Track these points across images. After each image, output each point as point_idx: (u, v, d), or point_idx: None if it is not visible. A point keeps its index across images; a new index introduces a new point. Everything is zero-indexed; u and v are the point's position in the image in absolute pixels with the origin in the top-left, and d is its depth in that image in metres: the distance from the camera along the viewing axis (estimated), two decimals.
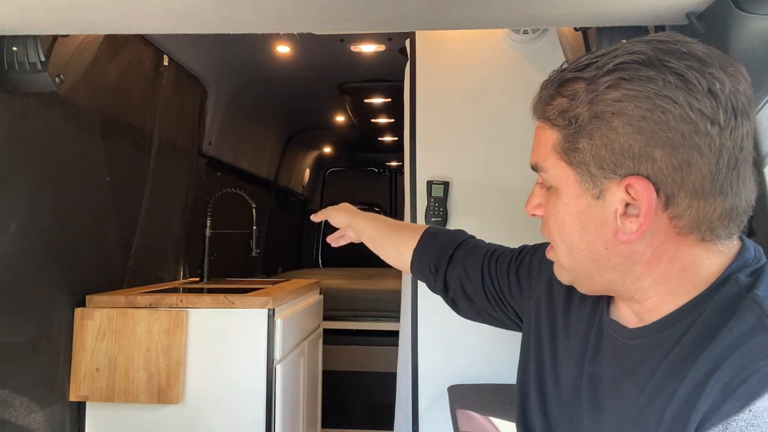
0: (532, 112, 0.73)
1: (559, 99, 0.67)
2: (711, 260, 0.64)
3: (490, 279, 1.03)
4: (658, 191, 0.61)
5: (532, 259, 0.97)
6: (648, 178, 0.61)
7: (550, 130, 0.69)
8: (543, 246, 0.96)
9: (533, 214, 0.76)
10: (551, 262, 0.89)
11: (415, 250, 1.14)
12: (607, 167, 0.63)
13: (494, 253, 1.06)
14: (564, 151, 0.67)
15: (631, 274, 0.67)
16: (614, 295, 0.72)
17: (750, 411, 0.52)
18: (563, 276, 0.75)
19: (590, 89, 0.63)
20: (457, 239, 1.14)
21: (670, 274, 0.65)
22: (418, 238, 1.15)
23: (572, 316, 0.81)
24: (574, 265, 0.71)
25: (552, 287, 0.88)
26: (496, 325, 1.09)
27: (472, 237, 1.18)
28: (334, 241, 1.30)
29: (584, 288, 0.73)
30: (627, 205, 0.63)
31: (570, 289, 0.83)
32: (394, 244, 1.19)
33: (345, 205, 1.30)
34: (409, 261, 1.15)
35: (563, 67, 0.69)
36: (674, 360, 0.61)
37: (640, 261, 0.65)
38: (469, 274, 1.06)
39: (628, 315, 0.71)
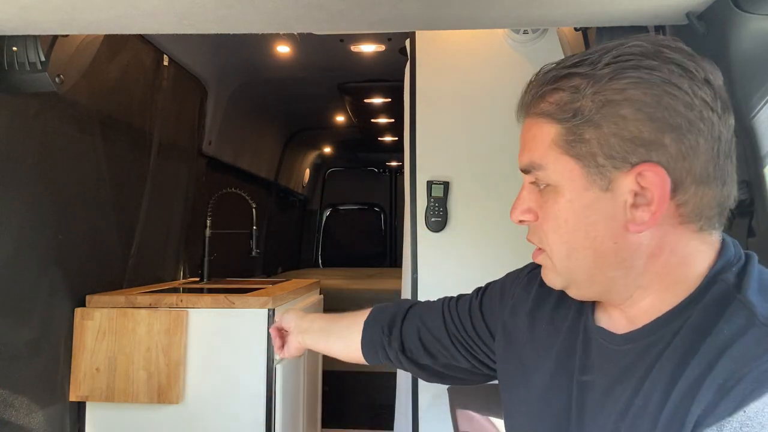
0: (519, 111, 0.72)
1: (556, 94, 0.66)
2: (704, 253, 0.65)
3: (453, 323, 0.97)
4: None
5: (493, 291, 0.95)
6: (659, 164, 0.61)
7: (548, 126, 0.67)
8: (503, 278, 0.96)
9: (521, 221, 0.73)
10: (517, 287, 0.90)
11: (366, 320, 1.08)
12: (617, 156, 0.62)
13: (452, 300, 1.02)
14: (567, 144, 0.65)
15: (634, 270, 0.66)
16: (607, 299, 0.70)
17: (744, 412, 0.52)
18: (555, 280, 0.72)
19: (592, 81, 0.63)
20: (408, 302, 1.09)
21: (669, 268, 0.65)
22: (368, 312, 1.10)
23: (550, 328, 0.80)
24: (573, 266, 0.68)
25: (519, 308, 0.86)
26: (461, 383, 1.04)
27: (421, 302, 1.11)
28: (278, 349, 1.19)
29: (580, 291, 0.71)
30: (635, 194, 0.63)
31: (543, 304, 0.82)
32: (345, 323, 1.11)
33: (291, 309, 1.26)
34: (360, 334, 1.07)
35: (548, 68, 0.69)
36: (666, 363, 0.61)
37: (645, 254, 0.65)
38: (427, 325, 1.00)
39: (619, 320, 0.70)
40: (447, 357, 0.98)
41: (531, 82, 0.70)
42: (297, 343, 1.14)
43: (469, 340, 0.95)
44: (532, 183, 0.71)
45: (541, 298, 0.84)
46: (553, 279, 0.73)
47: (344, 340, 1.10)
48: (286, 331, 1.16)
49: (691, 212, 0.63)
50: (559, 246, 0.69)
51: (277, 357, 1.98)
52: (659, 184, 0.61)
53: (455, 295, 1.03)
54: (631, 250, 0.65)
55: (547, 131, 0.67)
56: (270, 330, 1.21)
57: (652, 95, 0.61)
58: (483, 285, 1.00)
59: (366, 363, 1.09)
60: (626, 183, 0.63)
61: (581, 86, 0.64)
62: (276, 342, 1.17)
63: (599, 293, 0.70)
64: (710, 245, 0.65)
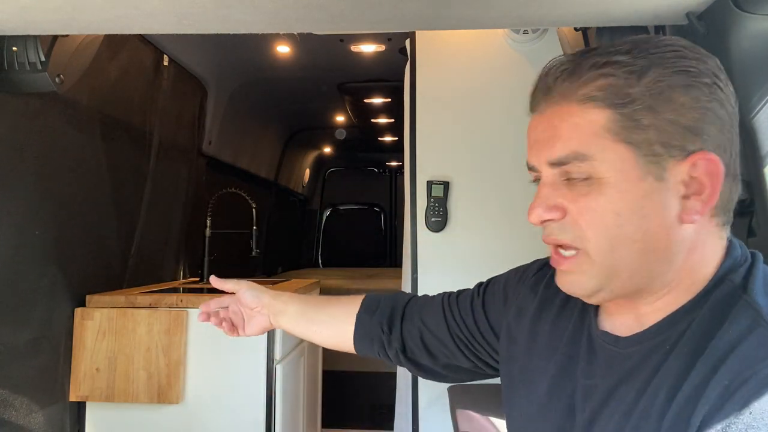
0: (542, 100, 0.67)
1: (603, 80, 0.63)
2: (718, 252, 0.65)
3: (455, 321, 0.94)
4: None
5: (496, 288, 0.92)
6: (714, 153, 0.62)
7: (596, 112, 0.63)
8: (506, 274, 0.93)
9: (545, 221, 0.67)
10: (522, 286, 0.87)
11: (359, 314, 1.02)
12: (675, 143, 0.61)
13: (451, 295, 0.98)
14: (625, 130, 0.62)
15: (673, 265, 0.64)
16: (635, 297, 0.67)
17: (750, 413, 0.52)
18: (588, 284, 0.66)
19: (646, 67, 0.62)
20: (405, 296, 1.05)
21: (694, 264, 0.65)
22: (358, 303, 1.04)
23: (553, 332, 0.79)
24: (617, 263, 0.64)
25: (524, 310, 0.85)
26: (461, 381, 1.01)
27: (418, 295, 1.07)
28: (229, 329, 1.05)
29: (612, 292, 0.66)
30: (685, 184, 0.63)
31: (548, 307, 0.81)
32: (331, 311, 1.05)
33: (251, 283, 1.07)
34: (352, 328, 1.01)
35: (572, 58, 0.65)
36: (672, 364, 0.61)
37: (686, 248, 0.64)
38: (428, 325, 0.96)
39: (623, 323, 0.70)
40: (448, 357, 0.96)
41: (556, 69, 0.66)
42: (267, 323, 1.04)
43: (472, 339, 0.93)
44: (564, 177, 0.65)
45: (546, 301, 0.83)
46: (585, 283, 0.67)
47: (331, 328, 1.05)
48: (247, 309, 1.04)
49: (720, 205, 0.64)
50: (603, 242, 0.64)
51: (272, 355, 1.98)
52: (715, 173, 0.62)
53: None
54: (677, 244, 0.63)
55: (595, 117, 0.63)
56: (203, 309, 1.05)
57: (705, 85, 0.62)
58: (484, 280, 0.97)
59: (354, 352, 1.04)
60: (679, 172, 0.62)
61: (636, 71, 0.62)
62: (223, 326, 1.04)
63: (632, 292, 0.66)
64: (723, 243, 0.66)
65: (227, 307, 1.07)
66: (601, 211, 0.63)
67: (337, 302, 1.08)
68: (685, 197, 0.63)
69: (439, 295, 1.01)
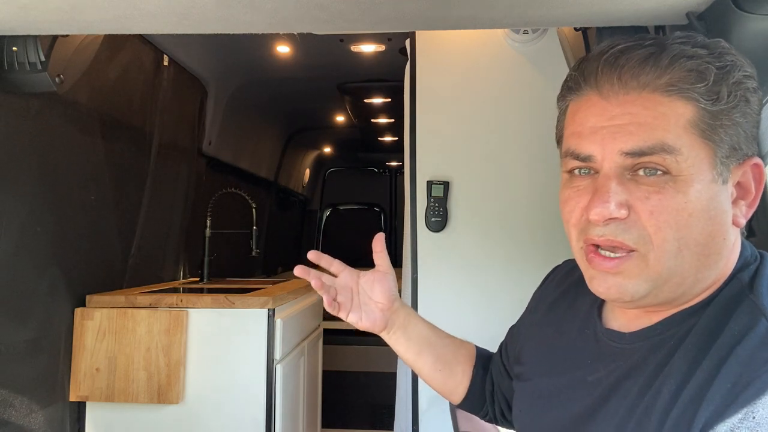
0: (624, 80, 0.61)
1: (691, 72, 0.59)
2: (738, 249, 0.66)
3: (499, 372, 0.95)
4: None
5: (522, 319, 0.94)
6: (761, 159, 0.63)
7: (683, 104, 0.59)
8: (531, 300, 0.93)
9: (611, 219, 0.60)
10: (534, 299, 0.88)
11: (474, 373, 0.97)
12: (743, 147, 0.61)
13: (498, 348, 0.98)
14: (710, 128, 0.59)
15: (718, 269, 0.63)
16: (675, 301, 0.64)
17: (754, 419, 0.52)
18: (637, 289, 0.62)
19: (727, 67, 0.60)
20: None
21: (727, 266, 0.65)
22: (472, 362, 0.98)
23: (560, 330, 0.80)
24: (677, 266, 0.60)
25: (534, 313, 0.87)
26: None
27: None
28: (330, 305, 0.89)
29: (657, 298, 0.63)
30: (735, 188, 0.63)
31: (555, 308, 0.82)
32: (446, 357, 0.96)
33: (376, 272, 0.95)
34: (466, 376, 0.97)
35: (651, 42, 0.62)
36: (679, 361, 0.61)
37: (729, 250, 0.64)
38: (497, 383, 0.96)
39: (633, 319, 0.69)
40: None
41: (629, 53, 0.61)
42: (382, 325, 0.91)
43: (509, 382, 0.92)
44: (635, 170, 0.61)
45: (555, 303, 0.84)
46: (634, 287, 0.62)
47: (442, 374, 0.95)
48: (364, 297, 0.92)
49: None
50: (669, 243, 0.60)
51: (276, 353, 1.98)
52: (760, 178, 0.63)
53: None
54: (727, 248, 0.63)
55: (682, 110, 0.59)
56: (317, 284, 0.89)
57: (758, 90, 0.63)
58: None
59: (455, 403, 0.98)
60: (735, 176, 0.62)
61: (722, 70, 0.60)
62: (331, 299, 0.88)
63: (673, 298, 0.64)
64: (740, 242, 0.66)
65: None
66: (676, 210, 0.59)
67: (456, 345, 0.98)
68: (734, 201, 0.63)
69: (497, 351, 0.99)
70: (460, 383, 0.96)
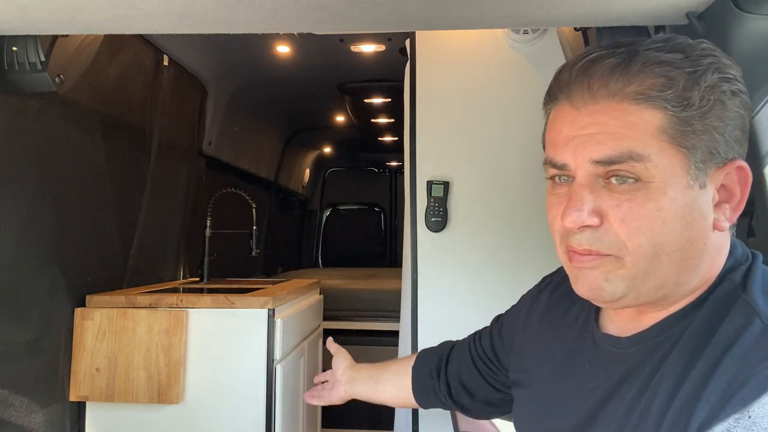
0: (594, 90, 0.61)
1: (656, 79, 0.60)
2: (726, 250, 0.66)
3: (478, 354, 0.99)
4: None
5: (512, 315, 0.95)
6: (744, 161, 0.63)
7: (651, 112, 0.59)
8: (521, 300, 0.95)
9: (584, 227, 0.62)
10: (528, 302, 0.89)
11: (414, 366, 1.11)
12: (721, 151, 0.61)
13: (477, 333, 1.04)
14: (680, 135, 0.59)
15: (701, 272, 0.63)
16: (656, 302, 0.65)
17: (749, 418, 0.52)
18: (617, 289, 0.63)
19: (700, 72, 0.60)
20: (450, 343, 1.12)
21: (714, 268, 0.65)
22: (414, 357, 1.14)
23: (557, 336, 0.80)
24: (654, 271, 0.61)
25: (530, 319, 0.87)
26: (500, 416, 1.05)
27: (460, 340, 1.13)
28: (310, 397, 1.25)
29: (637, 299, 0.64)
30: (717, 191, 0.63)
31: (551, 314, 0.83)
32: (394, 369, 1.15)
33: (348, 355, 1.25)
34: (410, 379, 1.11)
35: (619, 46, 0.62)
36: (673, 362, 0.61)
37: (711, 255, 0.63)
38: (462, 363, 1.02)
39: (628, 322, 0.70)
40: (483, 391, 0.99)
41: (600, 63, 0.61)
42: (344, 393, 1.17)
43: (494, 367, 0.96)
44: (606, 177, 0.61)
45: (550, 308, 0.84)
46: (614, 288, 0.63)
47: (395, 386, 1.12)
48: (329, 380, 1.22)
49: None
50: (644, 249, 0.60)
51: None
52: (745, 181, 0.62)
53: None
54: (708, 252, 0.63)
55: (650, 118, 0.60)
56: (315, 379, 1.25)
57: (740, 92, 0.62)
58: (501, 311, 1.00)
59: (419, 408, 1.12)
60: (716, 179, 0.62)
61: (693, 75, 0.59)
62: (311, 392, 1.22)
63: (655, 300, 0.64)
64: (728, 243, 0.66)
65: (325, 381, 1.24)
66: (648, 217, 0.60)
67: (399, 362, 1.15)
68: (717, 205, 0.62)
69: (470, 335, 1.06)
70: (407, 387, 1.11)
